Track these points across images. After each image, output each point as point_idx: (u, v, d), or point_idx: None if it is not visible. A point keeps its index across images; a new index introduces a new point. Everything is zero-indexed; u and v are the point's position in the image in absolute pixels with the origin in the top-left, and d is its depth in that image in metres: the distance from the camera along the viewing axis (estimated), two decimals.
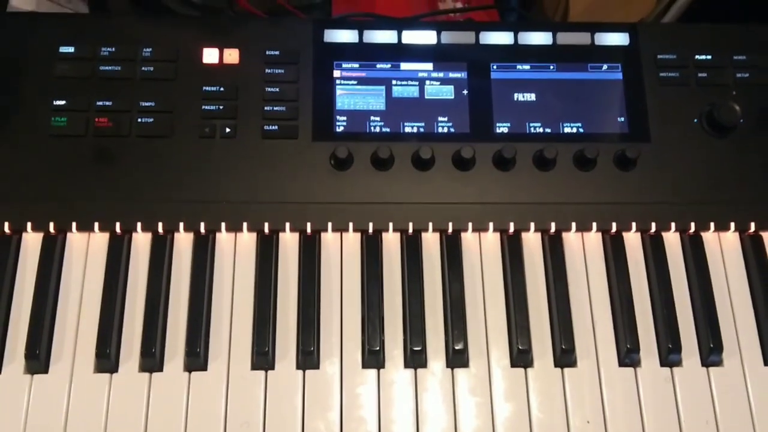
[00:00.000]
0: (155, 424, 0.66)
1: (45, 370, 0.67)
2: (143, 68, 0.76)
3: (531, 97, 0.78)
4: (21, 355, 0.67)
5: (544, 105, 0.78)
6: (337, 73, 0.78)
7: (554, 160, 0.75)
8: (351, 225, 0.74)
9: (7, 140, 0.73)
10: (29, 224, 0.71)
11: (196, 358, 0.68)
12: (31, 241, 0.72)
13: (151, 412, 0.66)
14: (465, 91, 0.78)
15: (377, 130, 0.77)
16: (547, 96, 0.78)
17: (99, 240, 0.72)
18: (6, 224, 0.71)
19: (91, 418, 0.65)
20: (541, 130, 0.77)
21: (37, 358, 0.67)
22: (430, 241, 0.74)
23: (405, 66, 0.79)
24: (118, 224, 0.72)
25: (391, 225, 0.74)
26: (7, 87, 0.75)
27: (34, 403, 0.66)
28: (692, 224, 0.75)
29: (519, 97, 0.78)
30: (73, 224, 0.72)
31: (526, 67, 0.79)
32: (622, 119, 0.78)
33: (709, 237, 0.75)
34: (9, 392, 0.66)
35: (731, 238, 0.75)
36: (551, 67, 0.79)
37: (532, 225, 0.74)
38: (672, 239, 0.75)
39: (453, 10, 1.01)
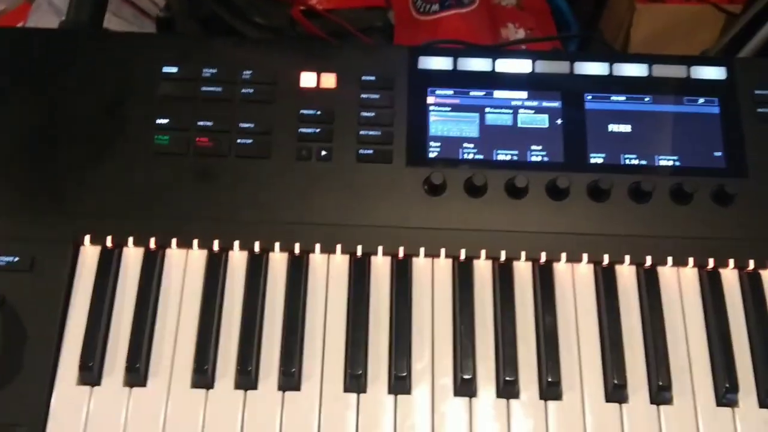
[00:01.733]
0: None
1: (143, 383, 0.69)
2: (243, 90, 0.78)
3: (626, 128, 0.78)
4: (120, 367, 0.68)
5: (639, 137, 0.78)
6: (431, 100, 0.79)
7: (650, 192, 0.74)
8: (443, 251, 0.74)
9: (112, 158, 0.76)
10: (131, 239, 0.73)
11: (291, 378, 0.68)
12: (132, 256, 0.73)
13: (246, 428, 0.67)
14: (559, 121, 0.78)
15: (470, 156, 0.77)
16: (643, 128, 0.78)
17: (197, 257, 0.74)
18: (108, 238, 0.73)
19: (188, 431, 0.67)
20: (636, 162, 0.77)
21: (137, 372, 0.68)
22: (523, 270, 0.74)
23: (498, 94, 0.79)
24: (216, 242, 0.73)
25: (483, 252, 0.74)
26: (113, 106, 0.77)
27: (133, 416, 0.67)
28: None
29: (614, 128, 0.78)
30: (173, 240, 0.73)
31: (621, 98, 0.79)
32: (719, 154, 0.77)
33: None
34: (108, 404, 0.67)
35: None
36: (646, 99, 0.79)
37: (627, 258, 0.73)
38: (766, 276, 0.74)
39: (517, 41, 1.01)
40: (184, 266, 0.73)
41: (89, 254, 0.73)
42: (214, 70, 0.79)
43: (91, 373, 0.68)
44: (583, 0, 1.09)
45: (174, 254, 0.74)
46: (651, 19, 0.99)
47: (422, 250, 0.74)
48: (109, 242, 0.73)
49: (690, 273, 0.74)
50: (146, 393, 0.68)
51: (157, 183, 0.75)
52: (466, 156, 0.77)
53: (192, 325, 0.71)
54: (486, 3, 1.01)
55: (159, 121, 0.77)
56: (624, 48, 1.04)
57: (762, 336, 0.70)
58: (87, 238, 0.73)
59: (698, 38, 1.00)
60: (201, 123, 0.77)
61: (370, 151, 0.77)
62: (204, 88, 0.78)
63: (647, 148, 0.77)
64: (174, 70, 0.79)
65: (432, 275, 0.74)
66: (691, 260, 0.73)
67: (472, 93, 0.79)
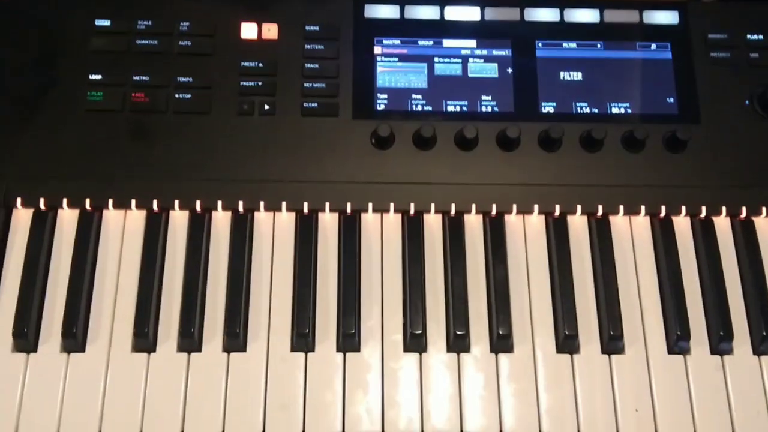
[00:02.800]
0: (193, 404, 0.64)
1: (82, 349, 0.66)
2: (180, 43, 0.75)
3: (578, 76, 0.76)
4: (57, 333, 0.66)
5: (591, 84, 0.76)
6: (378, 50, 0.76)
7: (602, 141, 0.73)
8: (392, 205, 0.72)
9: (43, 115, 0.72)
10: (65, 201, 0.70)
11: (236, 339, 0.66)
12: (67, 218, 0.70)
13: (190, 392, 0.65)
14: (509, 70, 0.76)
15: (419, 108, 0.75)
16: (594, 75, 0.76)
17: (136, 217, 0.71)
18: (42, 200, 0.70)
19: (129, 397, 0.64)
20: (588, 110, 0.75)
21: (74, 337, 0.66)
22: (473, 223, 0.72)
23: (448, 43, 0.77)
24: (155, 202, 0.70)
25: (433, 206, 0.72)
26: (42, 61, 0.73)
27: (71, 383, 0.65)
28: (743, 208, 0.72)
29: (565, 76, 0.76)
30: (110, 201, 0.70)
31: (573, 45, 0.77)
32: (671, 100, 0.76)
33: (761, 222, 0.73)
34: (45, 371, 0.65)
35: None
36: (598, 45, 0.77)
37: (579, 207, 0.72)
38: (723, 224, 0.73)
39: None
40: (122, 227, 0.71)
41: (22, 217, 0.70)
42: (149, 23, 0.75)
43: (26, 340, 0.65)
44: None
45: (111, 215, 0.71)
46: None
47: (370, 205, 0.72)
48: (42, 204, 0.70)
49: (642, 221, 0.73)
50: (85, 359, 0.66)
51: (92, 141, 0.72)
52: (414, 108, 0.75)
53: (132, 287, 0.68)
54: None
55: (92, 76, 0.73)
56: None
57: (714, 283, 0.70)
58: (19, 201, 0.70)
59: None
60: (136, 78, 0.73)
61: (315, 105, 0.74)
62: (139, 42, 0.75)
63: (599, 95, 0.75)
64: (107, 23, 0.75)
65: (381, 230, 0.72)
66: (642, 208, 0.72)
67: (421, 42, 0.76)
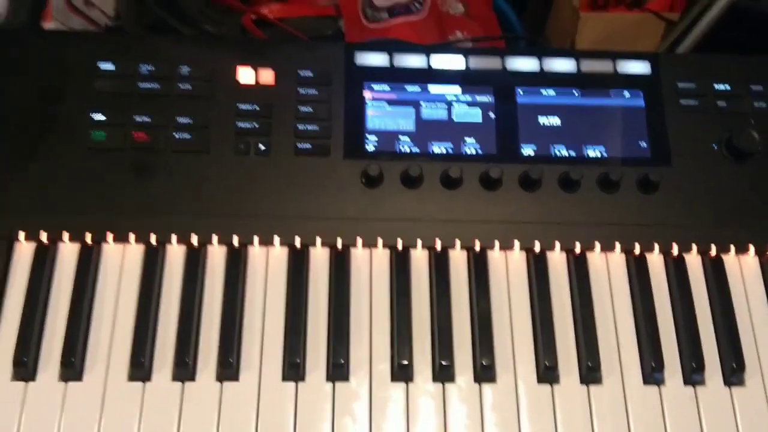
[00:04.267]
0: (188, 431, 0.66)
1: (79, 377, 0.68)
2: (180, 86, 0.79)
3: (556, 121, 0.81)
4: (56, 362, 0.68)
5: (568, 129, 0.80)
6: (368, 94, 0.80)
7: (579, 181, 0.77)
8: (380, 241, 0.75)
9: (47, 152, 0.75)
10: (66, 235, 0.73)
11: (229, 369, 0.69)
12: (68, 252, 0.73)
13: (183, 420, 0.67)
14: (492, 114, 0.80)
15: (407, 149, 0.79)
16: (571, 120, 0.81)
17: (134, 251, 0.74)
18: (43, 234, 0.73)
19: (125, 424, 0.66)
20: (565, 153, 0.79)
21: (72, 366, 0.68)
22: (458, 258, 0.76)
23: (434, 89, 0.81)
24: (153, 236, 0.73)
25: (419, 242, 0.75)
26: (48, 99, 0.77)
27: (69, 411, 0.67)
28: (713, 246, 0.76)
29: (544, 120, 0.81)
30: (109, 236, 0.73)
31: (551, 92, 0.82)
32: (644, 144, 0.80)
33: (730, 259, 0.77)
34: (43, 399, 0.67)
35: (751, 260, 0.77)
36: (575, 92, 0.82)
37: (558, 244, 0.76)
38: (693, 261, 0.77)
39: (463, 40, 1.04)
40: (121, 261, 0.73)
41: (24, 250, 0.73)
42: (151, 67, 0.79)
43: (25, 368, 0.67)
44: (529, 9, 1.12)
45: (110, 249, 0.74)
46: (595, 27, 1.02)
47: (360, 240, 0.75)
48: (44, 238, 0.73)
49: (617, 258, 0.77)
50: (82, 387, 0.68)
51: (94, 178, 0.75)
52: (402, 149, 0.79)
53: (129, 318, 0.71)
54: (434, 11, 1.03)
55: (95, 117, 0.77)
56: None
57: (686, 317, 0.73)
58: (22, 234, 0.73)
59: (640, 44, 1.04)
60: (138, 118, 0.77)
61: (308, 145, 0.78)
62: (141, 84, 0.78)
63: (576, 139, 0.80)
64: (110, 66, 0.79)
65: (370, 265, 0.75)
66: (618, 245, 0.76)
67: (408, 88, 0.81)
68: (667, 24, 1.04)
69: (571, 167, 0.77)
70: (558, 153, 0.79)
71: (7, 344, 0.68)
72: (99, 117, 0.77)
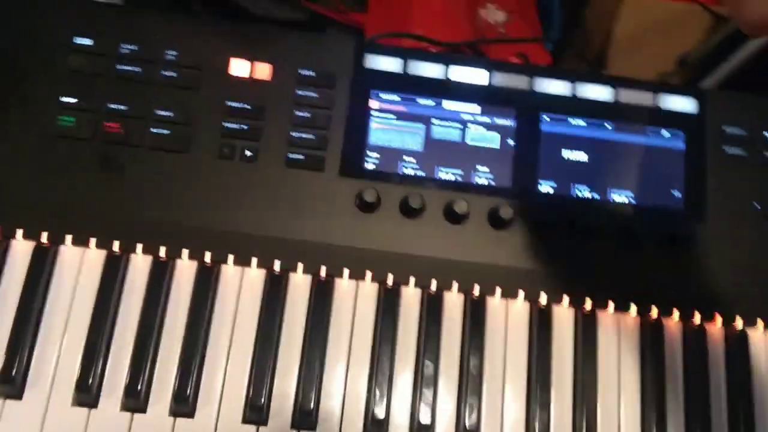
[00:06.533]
0: None
1: (19, 396, 0.61)
2: (165, 72, 0.70)
3: (581, 156, 0.71)
4: None
5: (595, 167, 0.71)
6: (374, 104, 0.71)
7: (599, 230, 0.69)
8: (369, 274, 0.67)
9: (5, 135, 0.67)
10: (20, 231, 0.65)
11: (185, 404, 0.62)
12: (20, 251, 0.65)
13: None
14: (511, 141, 0.71)
15: (410, 172, 0.70)
16: (599, 157, 0.72)
17: (94, 257, 0.66)
18: None
19: None
20: (588, 194, 0.71)
21: (12, 383, 0.61)
22: (454, 302, 0.68)
23: (449, 105, 0.72)
24: (116, 243, 0.66)
25: (413, 279, 0.67)
26: (12, 76, 0.68)
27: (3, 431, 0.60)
28: (738, 319, 0.68)
29: (568, 155, 0.71)
30: (68, 237, 0.65)
31: (581, 122, 0.72)
32: (678, 194, 0.71)
33: (757, 335, 0.69)
34: None
35: None
36: (607, 125, 0.73)
37: (566, 298, 0.68)
38: (715, 333, 0.69)
39: (497, 40, 0.93)
40: (78, 267, 0.66)
41: None
42: (134, 47, 0.70)
43: None
44: None
45: (68, 252, 0.66)
46: (638, 13, 0.95)
47: (346, 271, 0.67)
48: None
49: (629, 320, 0.69)
50: (21, 407, 0.61)
51: (56, 169, 0.67)
52: (405, 171, 0.70)
53: (81, 333, 0.64)
54: None
55: (64, 99, 0.68)
56: (605, 41, 0.97)
57: (698, 388, 0.66)
58: None
59: (681, 39, 0.96)
60: (112, 106, 0.68)
61: (301, 156, 0.69)
62: (120, 66, 0.69)
63: (602, 179, 0.71)
64: (88, 42, 0.70)
65: (355, 299, 0.67)
66: (633, 308, 0.68)
67: (420, 101, 0.72)
68: (716, 19, 0.95)
69: (591, 212, 0.69)
70: (579, 194, 0.71)
71: None
72: (69, 99, 0.68)
